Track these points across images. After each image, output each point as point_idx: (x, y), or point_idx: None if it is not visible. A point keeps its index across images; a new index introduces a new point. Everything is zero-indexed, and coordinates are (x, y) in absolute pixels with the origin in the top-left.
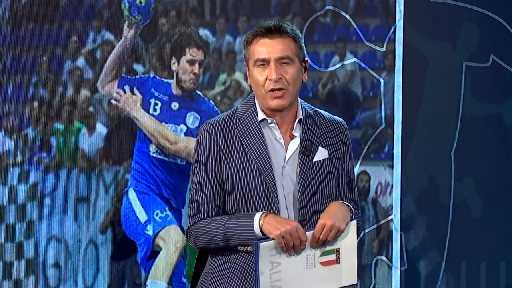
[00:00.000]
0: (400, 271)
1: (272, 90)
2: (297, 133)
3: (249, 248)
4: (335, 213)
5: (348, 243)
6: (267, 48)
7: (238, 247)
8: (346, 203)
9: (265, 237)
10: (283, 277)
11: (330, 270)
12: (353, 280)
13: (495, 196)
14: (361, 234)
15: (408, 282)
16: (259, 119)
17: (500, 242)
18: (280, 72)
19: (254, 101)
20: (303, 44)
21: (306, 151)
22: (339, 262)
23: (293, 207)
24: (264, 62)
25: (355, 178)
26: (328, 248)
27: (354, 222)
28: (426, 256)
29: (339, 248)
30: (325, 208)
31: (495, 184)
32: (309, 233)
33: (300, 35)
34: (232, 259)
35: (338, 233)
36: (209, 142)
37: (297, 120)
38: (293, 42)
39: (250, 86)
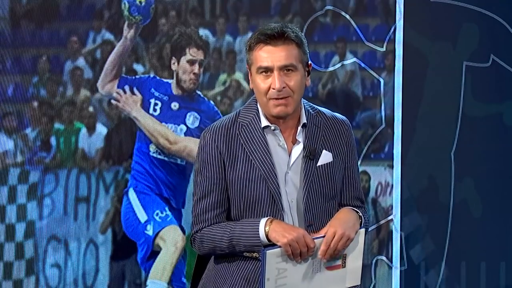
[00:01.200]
0: (400, 271)
1: (276, 98)
2: (300, 138)
3: (255, 254)
4: (346, 221)
5: (356, 250)
6: (270, 55)
7: (244, 253)
8: (355, 209)
9: (271, 244)
10: (288, 282)
11: (335, 273)
12: (357, 281)
13: (495, 196)
14: (368, 230)
15: (408, 282)
16: (262, 125)
17: (500, 242)
18: (283, 81)
19: (257, 105)
20: (307, 48)
21: (310, 155)
22: (344, 266)
23: (297, 213)
24: (267, 70)
25: (359, 176)
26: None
27: (363, 230)
28: (426, 256)
29: (346, 254)
30: (329, 212)
31: (495, 184)
32: (317, 241)
33: (303, 39)
34: (235, 264)
35: (348, 241)
36: (212, 150)
37: (301, 124)
38: (297, 48)
39: (252, 88)
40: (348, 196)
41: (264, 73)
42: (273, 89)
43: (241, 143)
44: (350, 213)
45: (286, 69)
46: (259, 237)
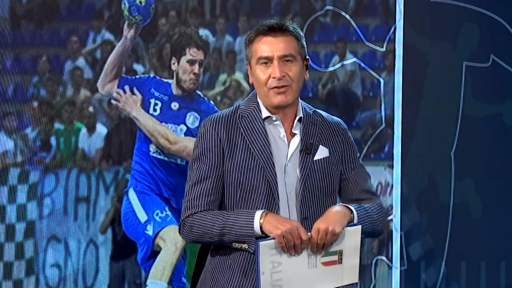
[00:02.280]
0: (400, 271)
1: (276, 87)
2: (296, 131)
3: (244, 246)
4: (329, 216)
5: (352, 246)
6: (270, 46)
7: (233, 244)
8: (347, 205)
9: (264, 236)
10: (284, 277)
11: (331, 269)
12: (355, 279)
13: (495, 196)
14: (384, 224)
15: (408, 282)
16: (263, 116)
17: (500, 242)
18: (283, 70)
19: (257, 98)
20: (305, 43)
21: (307, 149)
22: (341, 263)
23: (295, 205)
24: (267, 60)
25: (364, 171)
26: (330, 249)
27: (359, 227)
28: (426, 256)
29: (341, 250)
30: (326, 206)
31: (495, 184)
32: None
33: (301, 33)
34: (232, 257)
35: (335, 236)
36: (212, 137)
37: (297, 118)
38: (295, 40)
39: (251, 85)
40: (354, 191)
41: (264, 64)
42: (273, 78)
43: (241, 132)
44: (337, 209)
45: (285, 59)
46: (252, 227)
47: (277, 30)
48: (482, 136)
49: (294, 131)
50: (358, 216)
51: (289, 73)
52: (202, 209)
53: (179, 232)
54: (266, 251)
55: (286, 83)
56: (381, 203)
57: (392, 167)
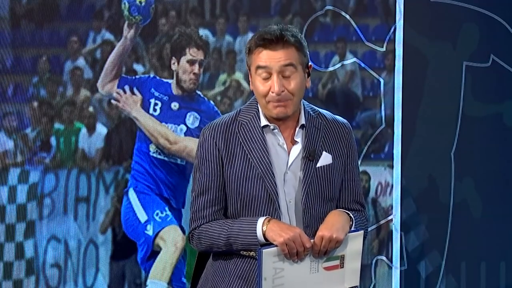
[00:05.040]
0: (400, 271)
1: (275, 101)
2: (298, 138)
3: (251, 253)
4: (333, 224)
5: (354, 251)
6: (269, 59)
7: (241, 252)
8: (345, 211)
9: (268, 243)
10: (286, 281)
11: (333, 274)
12: (355, 282)
13: (495, 196)
14: (367, 236)
15: (408, 282)
16: (262, 125)
17: (500, 242)
18: (282, 84)
19: (257, 104)
20: (307, 50)
21: (310, 156)
22: (342, 267)
23: (295, 213)
24: (266, 72)
25: (360, 180)
26: (333, 255)
27: (361, 232)
28: (426, 256)
29: (343, 255)
30: (327, 213)
31: (495, 184)
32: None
33: (303, 41)
34: (233, 263)
35: (338, 244)
36: (211, 146)
37: (299, 125)
38: (296, 50)
39: (252, 90)
40: (348, 200)
41: (263, 75)
42: (272, 92)
43: (240, 141)
44: (339, 216)
45: (285, 72)
46: (256, 236)
47: (276, 43)
48: (482, 136)
49: (295, 139)
50: (355, 223)
51: (289, 88)
52: (207, 220)
53: (189, 243)
54: (269, 258)
55: (285, 98)
56: (367, 216)
57: (392, 167)
